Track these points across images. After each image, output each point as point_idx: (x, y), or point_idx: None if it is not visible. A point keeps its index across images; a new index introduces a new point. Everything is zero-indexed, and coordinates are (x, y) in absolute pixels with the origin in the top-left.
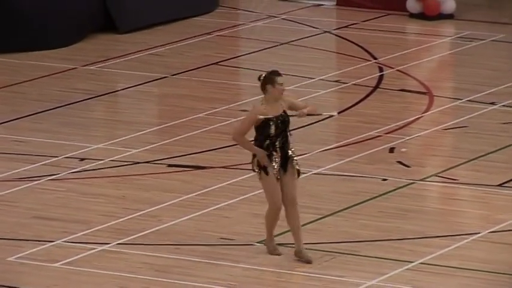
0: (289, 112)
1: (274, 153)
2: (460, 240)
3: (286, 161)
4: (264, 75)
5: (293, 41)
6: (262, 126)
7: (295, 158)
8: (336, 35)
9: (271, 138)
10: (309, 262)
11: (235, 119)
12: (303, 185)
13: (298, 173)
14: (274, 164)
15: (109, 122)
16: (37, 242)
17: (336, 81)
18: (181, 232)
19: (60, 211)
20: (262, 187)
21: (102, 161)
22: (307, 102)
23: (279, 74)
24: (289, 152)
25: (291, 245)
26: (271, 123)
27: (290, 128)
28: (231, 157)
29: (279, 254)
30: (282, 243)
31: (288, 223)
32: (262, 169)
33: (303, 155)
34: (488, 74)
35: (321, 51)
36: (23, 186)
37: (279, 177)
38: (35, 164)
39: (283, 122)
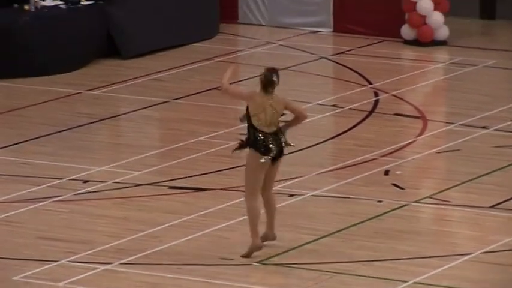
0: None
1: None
2: (453, 261)
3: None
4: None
5: (291, 66)
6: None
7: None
8: (332, 61)
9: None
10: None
11: (234, 142)
12: (300, 207)
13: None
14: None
15: (112, 145)
16: (42, 262)
17: (333, 105)
18: (182, 252)
19: (64, 232)
20: None
21: (105, 183)
22: (304, 126)
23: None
24: None
25: (290, 265)
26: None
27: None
28: (231, 179)
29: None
30: (282, 263)
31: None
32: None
33: (300, 177)
34: (481, 99)
35: (318, 76)
36: (28, 208)
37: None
38: (39, 185)
39: None
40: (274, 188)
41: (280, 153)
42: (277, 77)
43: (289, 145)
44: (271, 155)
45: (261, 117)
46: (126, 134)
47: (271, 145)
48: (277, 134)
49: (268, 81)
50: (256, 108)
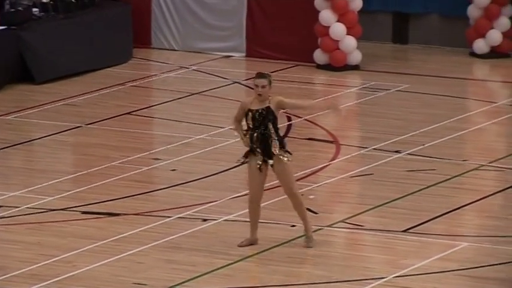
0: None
1: (255, 146)
2: (367, 285)
3: (270, 157)
4: None
5: (204, 91)
6: (245, 116)
7: (280, 156)
8: (245, 86)
9: (251, 130)
10: (308, 246)
11: (147, 167)
12: (214, 231)
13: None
14: (257, 157)
15: (25, 171)
16: None
17: (246, 130)
18: (96, 277)
19: None
20: None
21: (18, 208)
22: (218, 150)
23: (259, 76)
24: (275, 150)
25: None
26: (249, 115)
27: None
28: (144, 204)
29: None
30: None
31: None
32: (245, 158)
33: (213, 202)
34: (393, 123)
35: (230, 101)
36: None
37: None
38: None
39: (260, 114)
40: (186, 213)
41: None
42: None
43: None
44: None
45: None
46: (39, 159)
47: None
48: None
49: None
50: None
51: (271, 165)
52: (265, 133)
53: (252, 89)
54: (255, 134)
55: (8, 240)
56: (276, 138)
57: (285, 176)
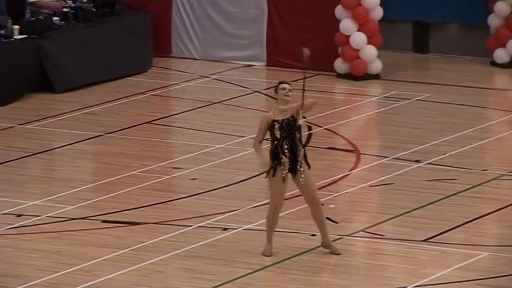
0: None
1: (283, 156)
2: None
3: (295, 166)
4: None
5: (224, 100)
6: (270, 128)
7: (300, 168)
8: (265, 95)
9: (278, 141)
10: (336, 254)
11: (167, 176)
12: (234, 241)
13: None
14: (282, 167)
15: (45, 179)
16: None
17: (266, 139)
18: (116, 286)
19: None
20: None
21: (38, 217)
22: (238, 159)
23: (283, 82)
24: (301, 159)
25: None
26: (276, 126)
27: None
28: (164, 213)
29: (268, 255)
30: None
31: (314, 221)
32: (270, 170)
33: (234, 211)
34: (414, 133)
35: (251, 110)
36: None
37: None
38: None
39: (288, 124)
40: (206, 222)
41: None
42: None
43: None
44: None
45: None
46: (59, 168)
47: None
48: None
49: None
50: None
51: (295, 175)
52: (295, 142)
53: (272, 97)
54: (285, 144)
55: (28, 249)
56: (302, 147)
57: (309, 183)
